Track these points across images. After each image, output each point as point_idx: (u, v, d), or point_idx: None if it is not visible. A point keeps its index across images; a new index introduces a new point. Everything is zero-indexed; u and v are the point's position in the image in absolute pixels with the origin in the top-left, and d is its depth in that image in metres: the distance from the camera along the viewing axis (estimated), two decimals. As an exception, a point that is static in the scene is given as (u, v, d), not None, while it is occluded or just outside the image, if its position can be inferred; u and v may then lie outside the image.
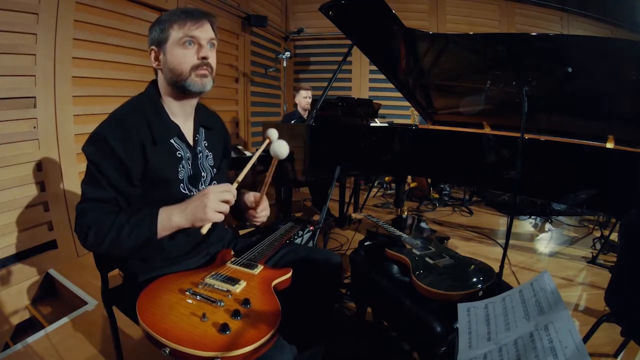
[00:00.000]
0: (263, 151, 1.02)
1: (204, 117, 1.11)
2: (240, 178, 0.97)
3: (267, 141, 1.03)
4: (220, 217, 0.86)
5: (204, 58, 0.94)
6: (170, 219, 0.86)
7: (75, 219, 0.88)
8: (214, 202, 0.84)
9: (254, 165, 0.99)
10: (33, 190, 1.98)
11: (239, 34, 3.97)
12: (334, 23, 2.15)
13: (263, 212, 1.08)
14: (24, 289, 1.93)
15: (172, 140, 0.99)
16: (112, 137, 0.87)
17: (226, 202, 0.87)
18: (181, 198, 0.96)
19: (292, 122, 3.11)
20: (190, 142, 1.04)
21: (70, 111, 2.16)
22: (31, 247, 1.97)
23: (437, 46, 2.10)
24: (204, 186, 1.06)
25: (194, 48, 0.94)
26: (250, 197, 1.10)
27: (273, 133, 1.02)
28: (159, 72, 0.99)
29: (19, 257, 1.92)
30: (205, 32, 0.95)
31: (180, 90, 0.97)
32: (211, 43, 0.98)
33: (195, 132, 1.07)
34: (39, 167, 2.00)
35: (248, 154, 2.88)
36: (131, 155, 0.89)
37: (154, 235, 0.86)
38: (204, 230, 0.85)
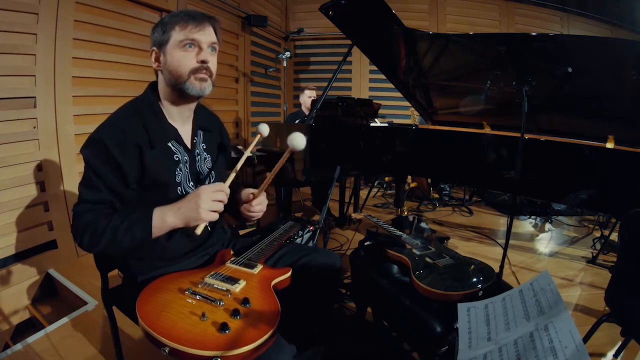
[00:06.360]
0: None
1: (204, 119, 1.10)
2: (232, 175, 0.98)
3: (258, 136, 1.07)
4: (214, 217, 0.87)
5: (204, 62, 0.94)
6: (164, 219, 0.87)
7: (72, 221, 0.89)
8: (206, 202, 0.86)
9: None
10: (33, 191, 1.98)
11: (239, 34, 3.97)
12: (334, 23, 2.15)
13: (258, 207, 1.04)
14: (24, 289, 1.93)
15: (169, 144, 0.99)
16: (109, 141, 0.88)
17: (219, 201, 0.88)
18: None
19: (297, 121, 3.11)
20: (188, 144, 1.04)
21: (70, 111, 2.16)
22: (31, 247, 1.97)
23: (437, 46, 2.10)
24: None
25: (194, 51, 0.93)
26: (247, 191, 1.09)
27: (264, 128, 1.06)
28: (159, 74, 0.99)
29: (19, 257, 1.92)
30: (206, 35, 0.94)
31: (179, 93, 0.97)
32: (212, 47, 0.97)
33: (194, 134, 1.07)
34: (39, 167, 2.00)
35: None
36: (128, 159, 0.90)
37: (149, 236, 0.87)
38: (199, 231, 0.87)
